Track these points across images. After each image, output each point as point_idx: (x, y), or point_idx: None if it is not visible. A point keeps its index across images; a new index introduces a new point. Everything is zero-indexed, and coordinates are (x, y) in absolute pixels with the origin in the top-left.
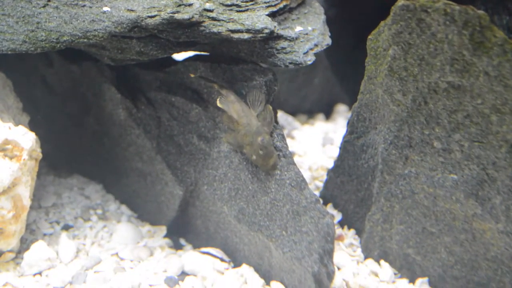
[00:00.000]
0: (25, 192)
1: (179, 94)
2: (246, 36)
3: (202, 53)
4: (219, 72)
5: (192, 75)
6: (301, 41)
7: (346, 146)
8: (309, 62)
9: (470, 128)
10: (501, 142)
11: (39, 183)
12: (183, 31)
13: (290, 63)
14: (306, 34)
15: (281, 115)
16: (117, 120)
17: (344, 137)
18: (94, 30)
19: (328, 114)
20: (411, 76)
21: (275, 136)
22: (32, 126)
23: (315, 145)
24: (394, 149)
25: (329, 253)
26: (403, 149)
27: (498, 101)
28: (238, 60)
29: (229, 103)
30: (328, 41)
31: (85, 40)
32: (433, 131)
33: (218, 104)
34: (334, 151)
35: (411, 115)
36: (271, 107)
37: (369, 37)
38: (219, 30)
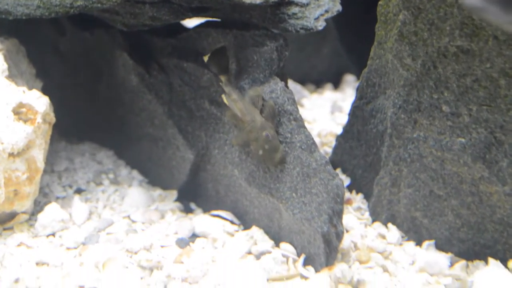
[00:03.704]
0: (39, 155)
1: (191, 60)
2: (258, 1)
3: (214, 19)
4: (230, 38)
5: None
6: (312, 7)
7: (355, 111)
8: (320, 28)
9: (479, 92)
10: (509, 105)
11: (51, 148)
12: None
13: (301, 28)
14: (317, 0)
15: (290, 84)
16: (129, 86)
17: (354, 102)
18: None
19: (336, 84)
20: (420, 40)
21: (286, 100)
22: (44, 93)
23: (324, 112)
24: (403, 113)
25: (339, 214)
26: (412, 113)
27: (507, 65)
28: (249, 26)
29: (232, 102)
30: (339, 7)
31: (99, 5)
32: (442, 95)
33: (224, 101)
34: (342, 118)
35: (420, 79)
36: (272, 102)
37: (379, 2)
38: None
